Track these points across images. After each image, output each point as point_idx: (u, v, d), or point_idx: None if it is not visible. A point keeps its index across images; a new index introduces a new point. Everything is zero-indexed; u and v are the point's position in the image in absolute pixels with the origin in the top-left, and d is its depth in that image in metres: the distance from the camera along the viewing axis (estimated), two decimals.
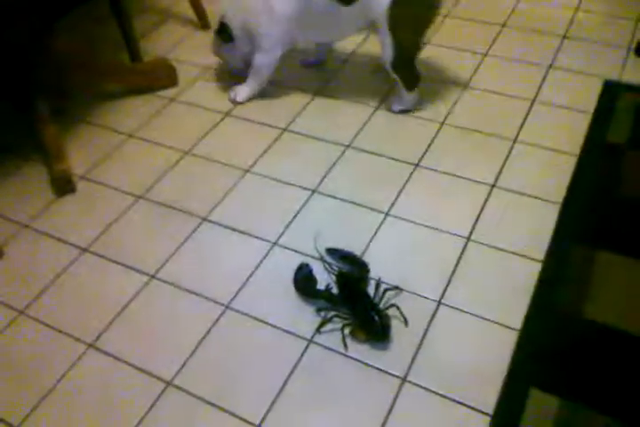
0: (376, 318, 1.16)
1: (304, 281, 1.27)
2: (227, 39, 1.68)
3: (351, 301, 1.21)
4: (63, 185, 1.54)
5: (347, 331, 1.19)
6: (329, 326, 1.21)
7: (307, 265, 1.30)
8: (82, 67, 1.80)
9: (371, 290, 1.24)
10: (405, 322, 1.20)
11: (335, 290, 1.25)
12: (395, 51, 1.53)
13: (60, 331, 1.24)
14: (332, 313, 1.21)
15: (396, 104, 1.69)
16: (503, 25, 2.00)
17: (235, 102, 1.76)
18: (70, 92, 1.82)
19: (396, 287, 1.26)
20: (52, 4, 2.15)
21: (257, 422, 1.07)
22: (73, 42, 2.04)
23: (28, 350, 1.21)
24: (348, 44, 1.96)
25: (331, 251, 1.34)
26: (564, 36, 1.93)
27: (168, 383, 1.14)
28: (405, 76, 1.60)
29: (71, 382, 1.16)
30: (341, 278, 1.25)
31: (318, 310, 1.24)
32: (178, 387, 1.13)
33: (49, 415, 1.11)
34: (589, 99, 1.70)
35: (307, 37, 1.66)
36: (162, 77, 1.85)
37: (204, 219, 1.44)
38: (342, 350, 1.17)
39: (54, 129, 1.63)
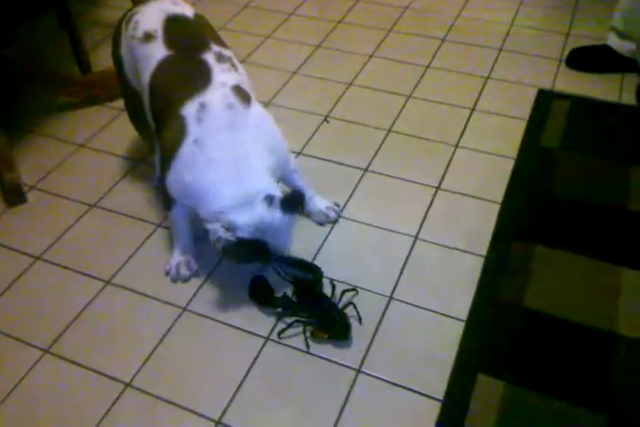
0: (337, 317, 1.20)
1: (260, 292, 1.29)
2: None
3: (310, 304, 1.23)
4: (13, 195, 1.53)
5: (308, 333, 1.21)
6: (290, 332, 1.23)
7: (260, 276, 1.31)
8: (32, 78, 1.81)
9: (326, 291, 1.27)
10: (360, 320, 1.24)
11: (292, 296, 1.27)
12: None
13: (15, 338, 1.23)
14: (293, 319, 1.23)
15: None
16: (443, 39, 2.10)
17: (181, 279, 1.35)
18: (20, 102, 1.82)
19: (354, 289, 1.29)
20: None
21: (216, 418, 1.10)
22: (22, 54, 2.04)
23: None
24: None
25: (279, 259, 1.27)
26: (501, 49, 2.04)
27: (127, 385, 1.15)
28: None
29: (27, 388, 1.15)
30: (297, 284, 1.27)
31: (279, 319, 1.25)
32: (137, 388, 1.14)
33: (6, 421, 1.10)
34: (525, 106, 1.80)
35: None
36: (112, 88, 1.86)
37: (159, 226, 1.46)
38: (298, 346, 1.20)
39: (3, 139, 1.62)
